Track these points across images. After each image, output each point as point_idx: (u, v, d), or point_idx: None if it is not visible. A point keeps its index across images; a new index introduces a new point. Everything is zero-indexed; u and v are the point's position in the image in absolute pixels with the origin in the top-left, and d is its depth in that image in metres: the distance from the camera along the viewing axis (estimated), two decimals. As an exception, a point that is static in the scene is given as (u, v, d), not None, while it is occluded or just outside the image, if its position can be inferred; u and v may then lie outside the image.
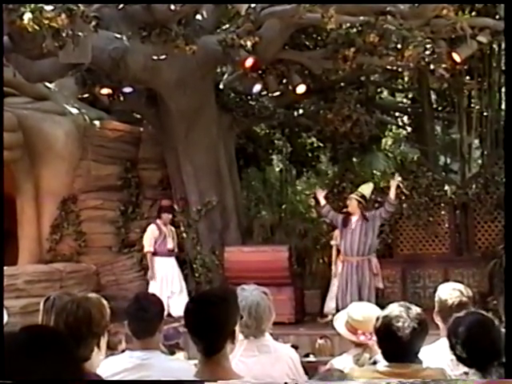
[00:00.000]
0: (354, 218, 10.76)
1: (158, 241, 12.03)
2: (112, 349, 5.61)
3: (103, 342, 3.22)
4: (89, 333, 3.12)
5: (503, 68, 16.07)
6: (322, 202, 11.05)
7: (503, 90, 16.54)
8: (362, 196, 10.88)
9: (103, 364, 3.45)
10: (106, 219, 13.67)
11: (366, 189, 11.18)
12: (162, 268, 11.97)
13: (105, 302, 3.36)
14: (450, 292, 4.19)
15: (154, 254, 12.00)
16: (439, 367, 3.43)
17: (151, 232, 12.04)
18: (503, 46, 15.22)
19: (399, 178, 11.09)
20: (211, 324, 2.81)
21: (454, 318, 3.33)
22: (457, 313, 3.89)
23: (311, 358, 7.74)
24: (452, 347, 3.22)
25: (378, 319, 3.39)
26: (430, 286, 12.26)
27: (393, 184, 10.83)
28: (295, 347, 7.84)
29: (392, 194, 10.72)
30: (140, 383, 3.57)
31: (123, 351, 4.84)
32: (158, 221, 12.28)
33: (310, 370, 6.04)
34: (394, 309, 3.32)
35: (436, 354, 3.93)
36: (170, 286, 11.87)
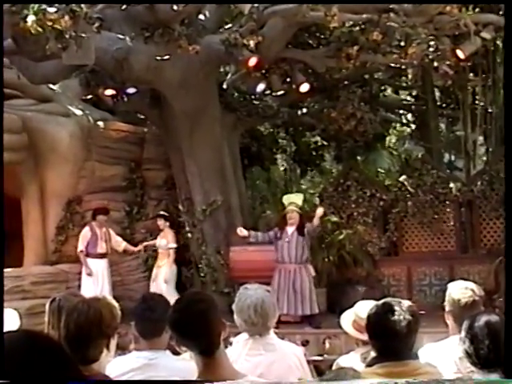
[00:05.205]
0: (291, 230, 10.84)
1: (90, 242, 12.11)
2: (123, 349, 5.63)
3: (113, 343, 3.19)
4: (99, 333, 3.09)
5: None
6: (245, 233, 10.96)
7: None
8: (301, 208, 10.99)
9: (110, 364, 3.44)
10: (111, 220, 13.65)
11: (298, 199, 11.23)
12: (92, 269, 12.01)
13: (115, 303, 3.34)
14: (462, 291, 4.07)
15: (87, 255, 12.07)
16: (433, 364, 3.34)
17: (84, 233, 12.16)
18: (507, 42, 15.21)
19: (322, 208, 11.22)
20: (206, 319, 2.80)
21: (473, 315, 3.21)
22: (469, 312, 3.85)
23: (321, 358, 7.71)
24: (462, 341, 3.12)
25: (368, 317, 3.26)
26: (436, 284, 12.26)
27: (318, 212, 10.90)
28: (306, 342, 7.83)
29: (316, 220, 10.84)
30: (148, 383, 3.57)
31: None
32: (94, 223, 12.28)
33: (325, 368, 6.02)
34: (385, 304, 3.22)
35: (443, 351, 3.91)
36: (99, 288, 11.81)
